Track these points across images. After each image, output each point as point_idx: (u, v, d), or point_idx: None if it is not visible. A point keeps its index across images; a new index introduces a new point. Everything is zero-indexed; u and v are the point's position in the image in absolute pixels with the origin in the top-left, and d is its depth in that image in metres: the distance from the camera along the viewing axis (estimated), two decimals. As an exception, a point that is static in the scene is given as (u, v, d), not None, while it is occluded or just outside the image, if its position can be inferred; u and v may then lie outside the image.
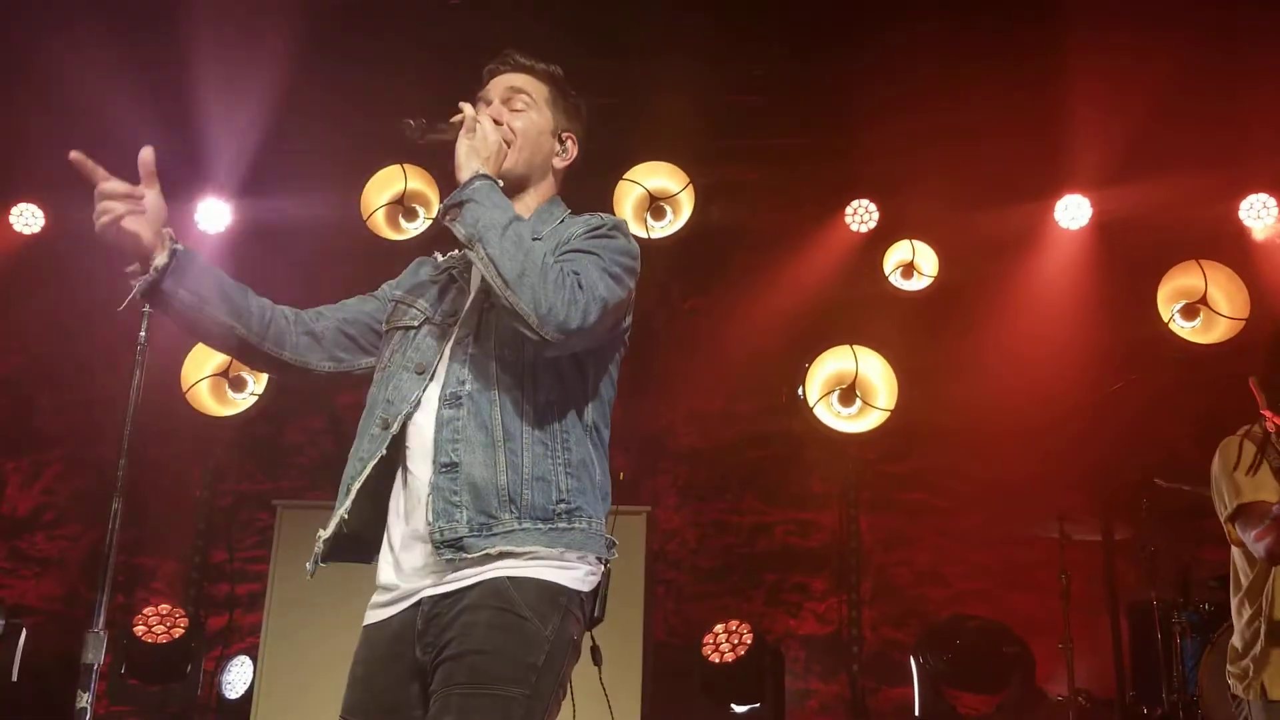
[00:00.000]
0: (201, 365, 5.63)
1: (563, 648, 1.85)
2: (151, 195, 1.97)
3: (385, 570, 1.95)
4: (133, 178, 1.97)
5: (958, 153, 5.44)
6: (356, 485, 1.96)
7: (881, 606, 5.61)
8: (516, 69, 2.17)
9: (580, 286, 1.86)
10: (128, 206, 1.94)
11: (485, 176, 1.96)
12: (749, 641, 4.93)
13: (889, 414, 5.41)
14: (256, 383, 5.64)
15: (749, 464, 5.84)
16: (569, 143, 2.20)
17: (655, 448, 5.91)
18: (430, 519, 1.85)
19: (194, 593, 5.83)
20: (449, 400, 1.92)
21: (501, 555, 1.83)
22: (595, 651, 2.07)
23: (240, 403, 5.67)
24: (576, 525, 1.91)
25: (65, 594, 5.99)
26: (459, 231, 1.91)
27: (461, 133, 2.00)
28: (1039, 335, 5.45)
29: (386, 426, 1.96)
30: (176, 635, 5.18)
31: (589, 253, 1.95)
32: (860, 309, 5.72)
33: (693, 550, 5.80)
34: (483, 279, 1.94)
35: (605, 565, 1.97)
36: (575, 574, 1.89)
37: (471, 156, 1.98)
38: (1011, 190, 5.59)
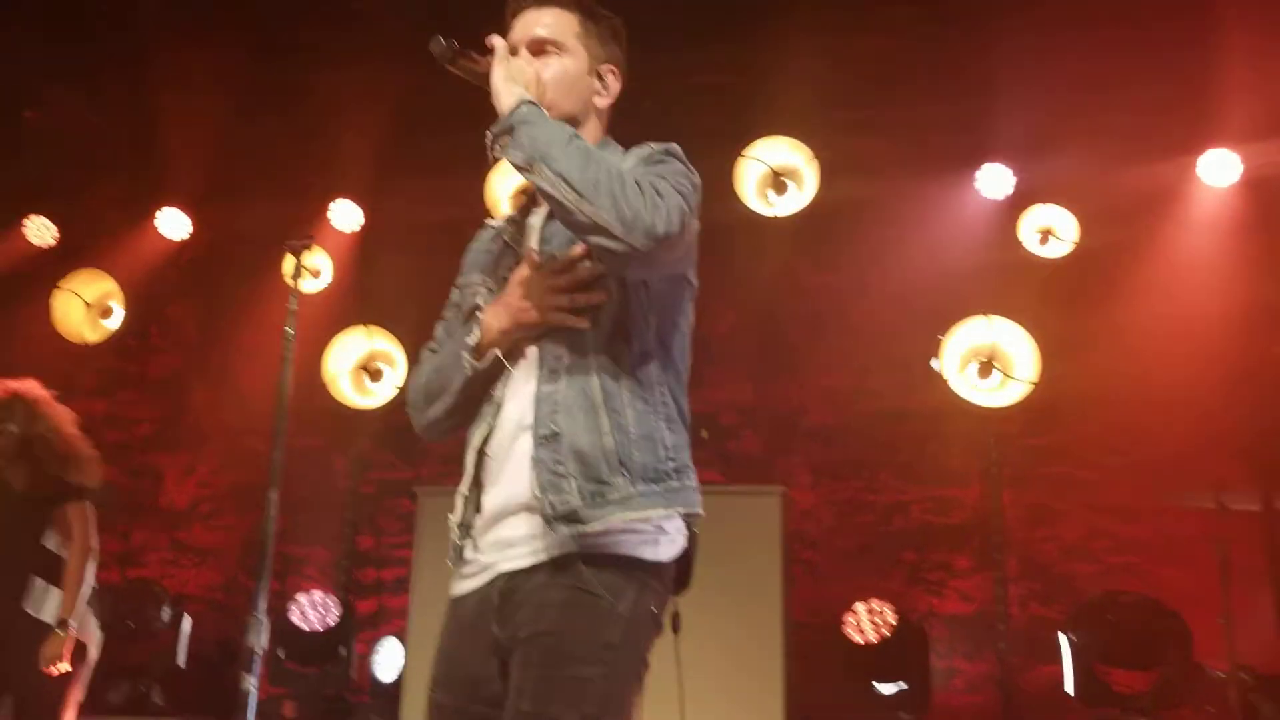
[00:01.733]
0: (343, 358, 5.80)
1: (641, 623, 1.77)
2: None
3: (467, 543, 1.90)
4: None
5: (1095, 110, 5.23)
6: (470, 461, 1.90)
7: (1028, 583, 5.46)
8: (539, 3, 1.96)
9: (659, 194, 1.72)
10: None
11: (530, 102, 1.80)
12: (891, 621, 4.86)
13: (1030, 385, 5.24)
14: (394, 373, 5.79)
15: (884, 441, 5.73)
16: (609, 76, 1.99)
17: (787, 427, 5.85)
18: (538, 493, 1.76)
19: (343, 578, 6.03)
20: (548, 376, 1.83)
21: (604, 533, 1.74)
22: (675, 618, 1.97)
23: (379, 393, 5.83)
24: (687, 483, 1.84)
25: (224, 582, 6.28)
26: (515, 157, 1.76)
27: (495, 62, 1.85)
28: (1186, 299, 5.21)
29: (492, 400, 1.89)
30: (329, 620, 5.38)
31: (652, 174, 1.79)
32: (996, 278, 5.55)
33: (829, 529, 5.73)
34: (544, 224, 1.88)
35: (692, 530, 1.87)
36: (653, 544, 1.79)
37: (510, 83, 1.82)
38: (1153, 147, 5.35)
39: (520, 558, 1.79)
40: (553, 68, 1.93)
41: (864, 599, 5.00)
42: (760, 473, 5.71)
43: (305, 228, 5.75)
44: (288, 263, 3.13)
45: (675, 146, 1.91)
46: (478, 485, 1.89)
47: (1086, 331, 5.30)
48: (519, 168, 1.76)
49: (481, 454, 1.89)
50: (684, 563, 1.85)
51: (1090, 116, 5.25)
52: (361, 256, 6.25)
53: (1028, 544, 5.52)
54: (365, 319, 5.80)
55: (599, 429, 1.78)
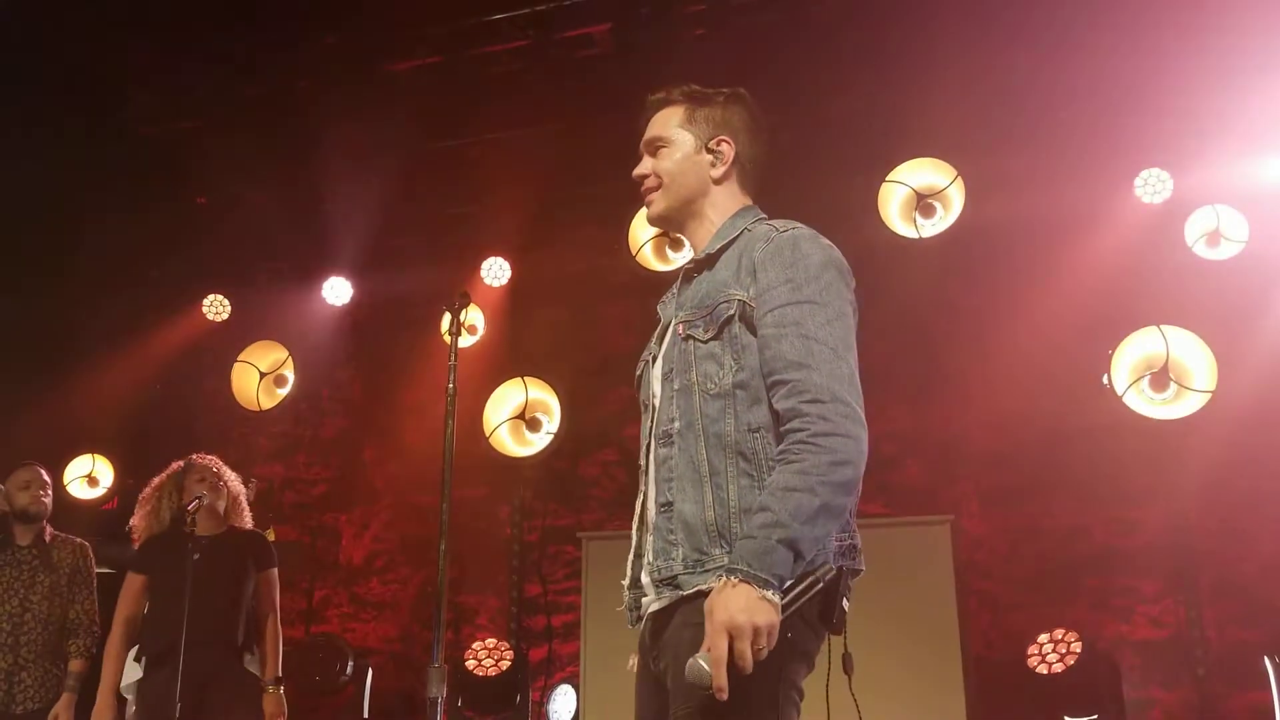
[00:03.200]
0: (500, 409, 5.94)
1: (778, 656, 1.75)
2: None
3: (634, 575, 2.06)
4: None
5: (1255, 99, 4.95)
6: (635, 526, 2.06)
7: (1225, 605, 5.14)
8: (651, 110, 2.19)
9: (834, 399, 1.80)
10: None
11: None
12: (1077, 650, 4.64)
13: (1210, 395, 4.96)
14: (550, 422, 5.90)
15: (1056, 463, 5.50)
16: (723, 146, 2.14)
17: (951, 454, 5.69)
18: (651, 558, 1.94)
19: (514, 626, 6.14)
20: (662, 439, 1.98)
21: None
22: (846, 659, 1.94)
23: (537, 442, 5.94)
24: None
25: (400, 634, 6.46)
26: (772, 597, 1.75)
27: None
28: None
29: (640, 466, 2.07)
30: (504, 667, 5.47)
31: (793, 324, 1.86)
32: (1163, 286, 5.29)
33: (1004, 558, 5.52)
34: (680, 290, 2.10)
35: (839, 569, 1.86)
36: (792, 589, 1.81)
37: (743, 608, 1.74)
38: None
39: (661, 599, 1.94)
40: (663, 160, 2.15)
41: (1047, 629, 4.79)
42: (925, 503, 5.56)
43: (459, 286, 5.93)
44: (445, 321, 3.23)
45: (801, 232, 1.97)
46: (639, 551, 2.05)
47: (1268, 334, 4.98)
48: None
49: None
50: (827, 599, 1.84)
51: (1254, 107, 4.96)
52: (513, 310, 6.41)
53: (1221, 564, 5.20)
54: (520, 371, 5.93)
55: (703, 501, 1.89)
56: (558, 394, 5.88)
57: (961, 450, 5.67)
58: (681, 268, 2.18)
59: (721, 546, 1.85)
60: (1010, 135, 5.67)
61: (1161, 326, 5.05)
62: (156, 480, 4.26)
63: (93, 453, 6.51)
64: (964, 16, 4.98)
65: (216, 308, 6.73)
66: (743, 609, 1.69)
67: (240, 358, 6.49)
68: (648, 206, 2.19)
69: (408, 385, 6.24)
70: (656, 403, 2.04)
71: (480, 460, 5.87)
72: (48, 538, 4.52)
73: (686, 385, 1.96)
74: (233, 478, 4.31)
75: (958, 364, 5.69)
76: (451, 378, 3.13)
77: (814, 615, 1.84)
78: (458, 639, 6.09)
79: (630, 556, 2.05)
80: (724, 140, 2.14)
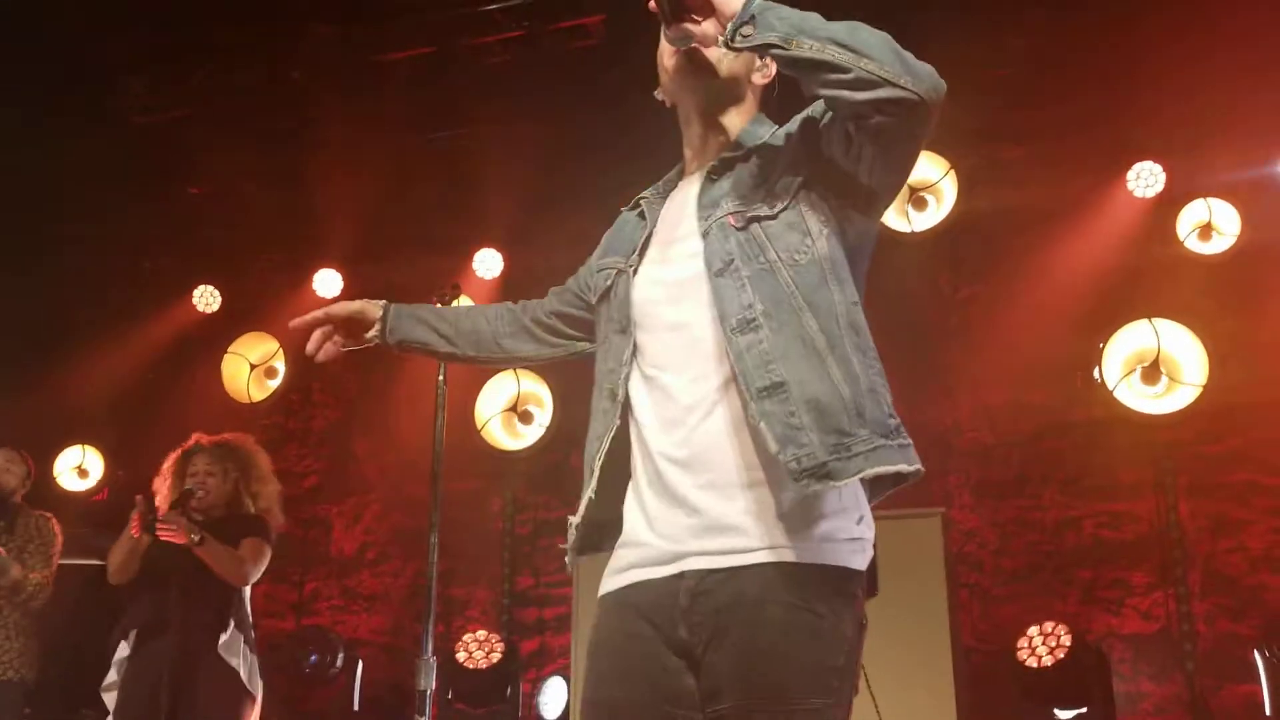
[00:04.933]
0: (492, 403, 5.94)
1: (859, 641, 1.65)
2: (335, 308, 2.17)
3: (636, 526, 1.75)
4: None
5: (1249, 94, 4.95)
6: (598, 463, 1.80)
7: (1215, 598, 5.15)
8: None
9: None
10: (326, 335, 2.16)
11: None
12: (1067, 643, 4.65)
13: (1201, 389, 4.97)
14: (542, 414, 5.89)
15: (1047, 456, 5.51)
16: (770, 62, 1.91)
17: (942, 447, 5.69)
18: (775, 448, 1.60)
19: (506, 619, 6.13)
20: (740, 328, 1.68)
21: (822, 516, 1.63)
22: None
23: (529, 435, 5.93)
24: (908, 441, 1.70)
25: (392, 626, 6.45)
26: (767, 37, 1.66)
27: None
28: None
29: (614, 397, 1.81)
30: (495, 660, 5.47)
31: None
32: (1154, 279, 5.31)
33: (995, 551, 5.53)
34: (702, 191, 1.82)
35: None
36: (861, 553, 1.68)
37: None
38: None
39: (717, 554, 1.64)
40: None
41: (1037, 621, 4.80)
42: (917, 495, 5.50)
43: (451, 278, 5.94)
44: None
45: None
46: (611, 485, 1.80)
47: (1258, 329, 5.00)
48: (774, 47, 1.67)
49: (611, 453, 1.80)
50: (871, 567, 1.72)
51: (1245, 103, 4.97)
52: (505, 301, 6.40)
53: (1211, 557, 5.21)
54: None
55: (830, 377, 1.64)
56: (550, 386, 5.88)
57: (953, 443, 5.68)
58: (671, 177, 1.98)
59: (863, 426, 1.62)
60: (1003, 128, 5.68)
61: (1153, 320, 5.06)
62: (170, 456, 4.22)
63: (83, 443, 6.49)
64: (957, 9, 4.97)
65: (207, 299, 6.71)
66: None
67: (230, 349, 6.47)
68: (690, 64, 1.85)
69: (400, 377, 6.23)
70: (695, 301, 1.76)
71: (472, 453, 5.86)
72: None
73: (766, 266, 1.71)
74: (248, 462, 4.24)
75: (949, 357, 5.70)
76: (442, 370, 3.13)
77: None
78: (449, 631, 6.08)
79: (588, 493, 1.80)
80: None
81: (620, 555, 1.78)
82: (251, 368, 6.48)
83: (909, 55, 1.65)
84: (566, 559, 1.88)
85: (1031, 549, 5.47)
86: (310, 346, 2.16)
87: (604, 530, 1.84)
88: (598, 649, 1.76)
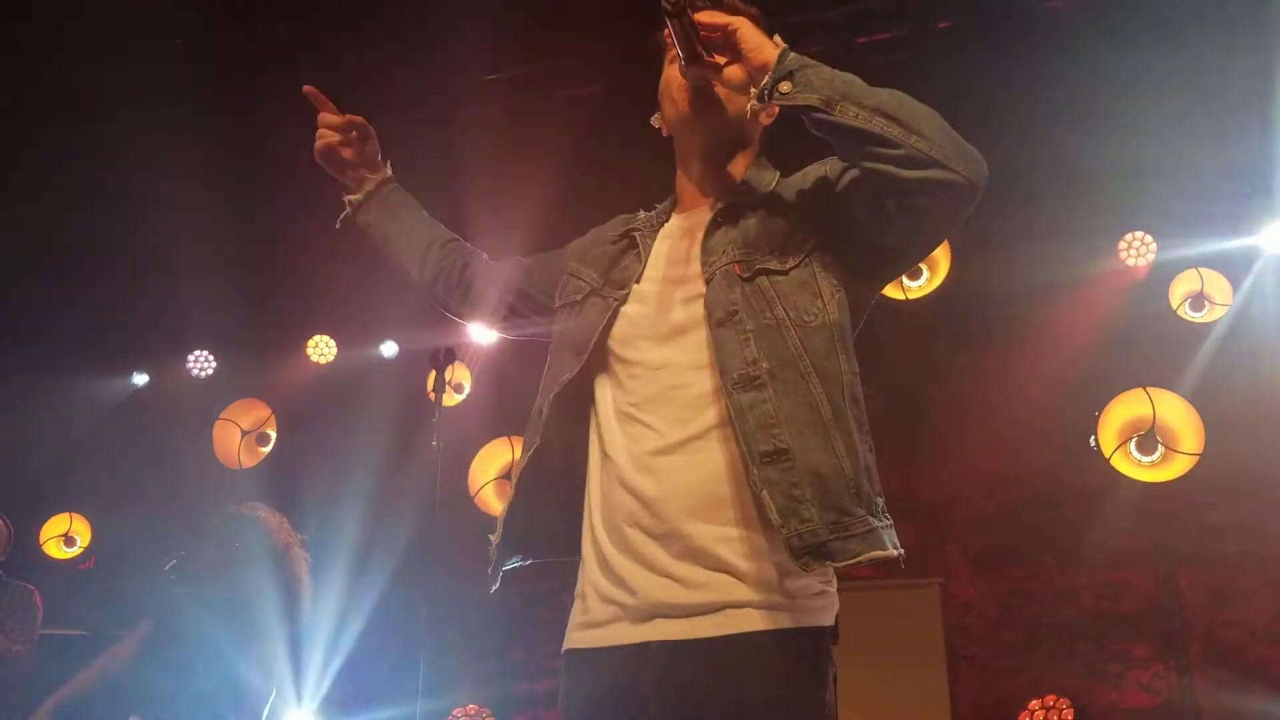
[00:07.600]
0: (487, 469, 5.88)
1: (834, 695, 1.59)
2: (361, 128, 2.07)
3: (597, 578, 1.68)
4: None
5: (1240, 160, 5.01)
6: (519, 478, 1.79)
7: (1215, 671, 5.07)
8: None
9: None
10: (342, 136, 2.06)
11: (792, 52, 1.65)
12: (1069, 717, 4.56)
13: (1196, 458, 4.94)
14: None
15: (1044, 526, 5.46)
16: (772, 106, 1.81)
17: (939, 517, 5.64)
18: (778, 520, 1.54)
19: (498, 692, 6.00)
20: (742, 383, 1.61)
21: (805, 593, 1.59)
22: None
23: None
24: (892, 521, 1.67)
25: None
26: (808, 99, 1.59)
27: (742, 22, 1.69)
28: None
29: (540, 414, 1.80)
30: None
31: None
32: (1149, 348, 5.31)
33: (993, 623, 5.45)
34: (707, 236, 1.74)
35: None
36: (830, 607, 1.64)
37: (763, 36, 1.67)
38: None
39: (690, 617, 1.57)
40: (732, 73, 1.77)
41: (1038, 695, 4.71)
42: (913, 566, 5.45)
43: (445, 344, 5.91)
44: (430, 379, 3.21)
45: None
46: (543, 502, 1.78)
47: (1255, 397, 4.99)
48: (815, 110, 1.60)
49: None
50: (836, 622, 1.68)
51: (1227, 175, 5.03)
52: (499, 368, 6.38)
53: (1211, 629, 5.14)
54: (507, 429, 5.88)
55: (834, 451, 1.59)
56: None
57: (950, 512, 5.63)
58: (664, 209, 1.91)
59: (859, 506, 1.58)
60: (995, 197, 5.68)
61: (1148, 389, 5.05)
62: None
63: (69, 512, 6.41)
64: (949, 80, 5.04)
65: (201, 364, 6.68)
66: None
67: (222, 415, 6.42)
68: (701, 101, 1.78)
69: (389, 451, 6.17)
70: (690, 347, 1.70)
71: (466, 520, 5.78)
72: None
73: (771, 322, 1.65)
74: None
75: (946, 425, 5.67)
76: (435, 435, 3.10)
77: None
78: (440, 706, 5.96)
79: (512, 511, 1.79)
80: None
81: (583, 609, 1.71)
82: (243, 434, 6.42)
83: (959, 136, 1.59)
84: (492, 583, 1.88)
85: (1031, 621, 5.39)
86: (325, 139, 2.07)
87: (524, 543, 1.86)
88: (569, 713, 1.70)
